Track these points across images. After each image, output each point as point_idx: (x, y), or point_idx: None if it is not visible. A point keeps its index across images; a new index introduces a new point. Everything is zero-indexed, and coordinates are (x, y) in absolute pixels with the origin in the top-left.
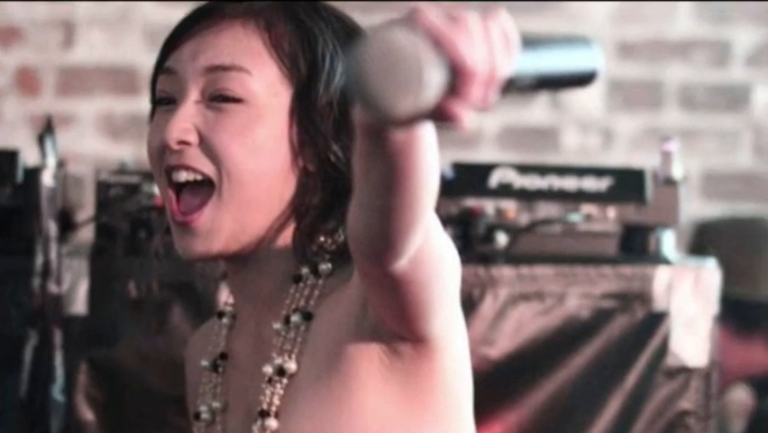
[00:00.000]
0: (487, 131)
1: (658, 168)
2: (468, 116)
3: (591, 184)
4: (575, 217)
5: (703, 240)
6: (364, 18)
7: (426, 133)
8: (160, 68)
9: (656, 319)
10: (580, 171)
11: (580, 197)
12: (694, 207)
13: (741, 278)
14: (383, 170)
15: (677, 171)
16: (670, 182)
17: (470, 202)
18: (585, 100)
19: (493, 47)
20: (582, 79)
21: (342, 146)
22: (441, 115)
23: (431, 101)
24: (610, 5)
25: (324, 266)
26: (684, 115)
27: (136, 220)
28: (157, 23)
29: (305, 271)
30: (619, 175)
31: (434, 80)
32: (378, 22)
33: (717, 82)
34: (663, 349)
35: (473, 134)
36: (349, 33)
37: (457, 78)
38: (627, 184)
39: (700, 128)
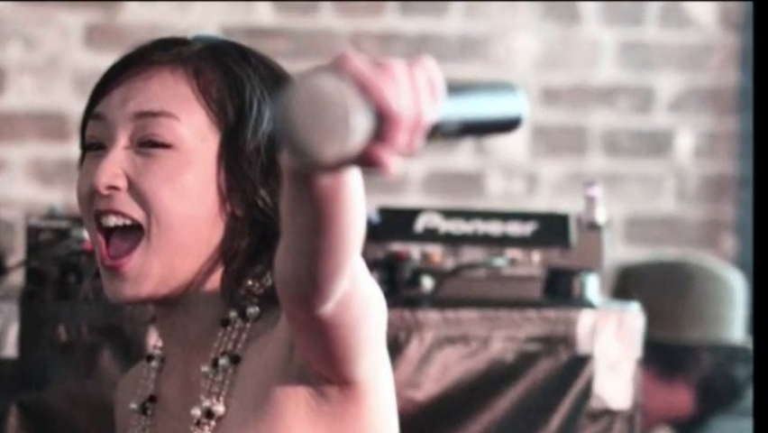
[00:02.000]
0: (412, 176)
1: (582, 212)
2: (394, 162)
3: (516, 229)
4: (500, 262)
5: (626, 284)
6: (292, 65)
7: (353, 179)
8: (90, 113)
9: (580, 362)
10: (505, 216)
11: (505, 241)
12: (618, 252)
13: (664, 321)
14: (310, 214)
15: (601, 216)
16: (594, 227)
17: (396, 246)
18: (509, 146)
19: (419, 93)
20: (507, 125)
21: (270, 191)
22: (367, 161)
23: (357, 147)
24: (534, 52)
25: (252, 310)
26: (608, 161)
27: (66, 264)
28: (86, 69)
29: (233, 314)
30: (544, 220)
31: (360, 126)
32: (305, 68)
33: (641, 128)
34: (587, 392)
35: (399, 179)
36: (277, 80)
37: (383, 124)
38: (552, 229)
39: (624, 173)
